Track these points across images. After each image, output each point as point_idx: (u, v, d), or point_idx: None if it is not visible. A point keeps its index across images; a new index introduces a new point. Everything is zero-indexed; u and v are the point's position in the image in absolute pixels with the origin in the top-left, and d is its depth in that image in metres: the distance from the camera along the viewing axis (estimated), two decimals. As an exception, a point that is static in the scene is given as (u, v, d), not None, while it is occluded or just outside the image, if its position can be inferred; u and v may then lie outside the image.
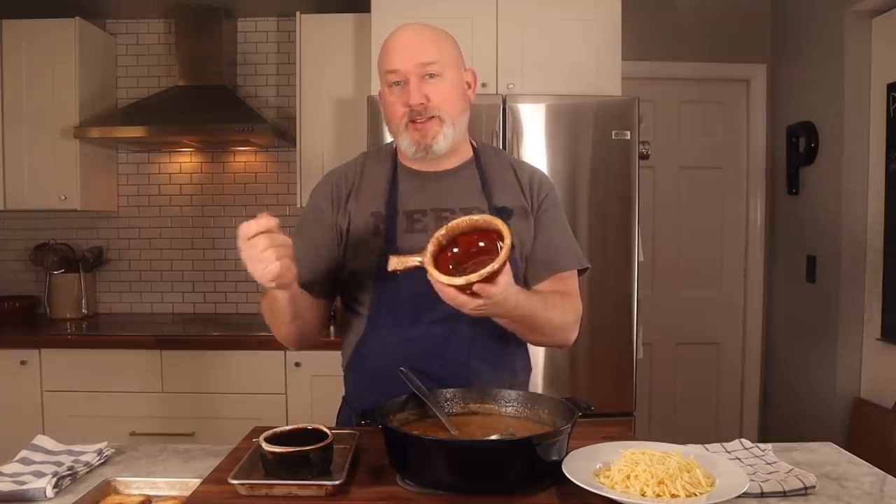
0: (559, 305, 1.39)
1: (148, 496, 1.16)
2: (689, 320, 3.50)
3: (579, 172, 2.49)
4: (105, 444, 1.36)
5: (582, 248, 2.52)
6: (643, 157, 2.53)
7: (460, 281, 1.11)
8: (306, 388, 2.81)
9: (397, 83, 1.36)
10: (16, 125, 3.11)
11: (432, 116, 1.35)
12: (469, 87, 1.44)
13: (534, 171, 1.52)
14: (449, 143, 1.39)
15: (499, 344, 1.41)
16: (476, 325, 1.37)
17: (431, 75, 1.35)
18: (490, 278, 1.11)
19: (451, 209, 1.40)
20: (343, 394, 1.57)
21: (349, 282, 1.44)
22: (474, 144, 1.52)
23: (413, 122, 1.36)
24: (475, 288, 1.11)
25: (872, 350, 2.76)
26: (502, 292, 1.14)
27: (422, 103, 1.34)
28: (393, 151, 1.49)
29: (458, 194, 1.43)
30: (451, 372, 1.36)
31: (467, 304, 1.14)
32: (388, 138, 2.48)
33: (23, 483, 1.16)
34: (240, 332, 3.02)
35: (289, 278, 1.18)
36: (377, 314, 1.40)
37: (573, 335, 1.45)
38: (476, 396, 1.28)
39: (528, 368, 1.54)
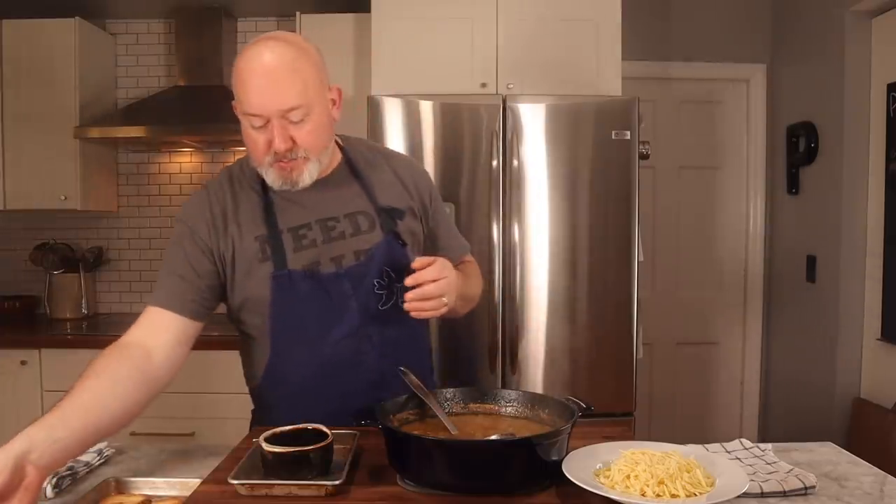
0: (471, 275, 1.53)
1: (148, 496, 1.16)
2: (689, 320, 3.50)
3: (579, 172, 2.49)
4: (105, 444, 1.36)
5: (582, 247, 2.54)
6: (643, 157, 2.52)
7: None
8: (306, 388, 2.81)
9: (259, 126, 1.26)
10: (16, 125, 3.11)
11: (297, 157, 1.28)
12: (334, 103, 1.34)
13: (413, 170, 1.50)
14: (315, 176, 1.32)
15: (404, 341, 1.42)
16: (383, 331, 1.37)
17: (295, 119, 1.25)
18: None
19: (336, 217, 1.37)
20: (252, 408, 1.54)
21: (241, 309, 1.39)
22: (340, 143, 1.45)
23: (278, 161, 1.28)
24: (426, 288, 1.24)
25: (872, 350, 2.76)
26: (443, 269, 1.26)
27: (288, 148, 1.26)
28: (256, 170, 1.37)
29: (339, 201, 1.38)
30: (365, 381, 1.36)
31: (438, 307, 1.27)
32: (389, 139, 2.49)
33: (23, 483, 1.16)
34: (240, 332, 3.01)
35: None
36: (280, 338, 1.36)
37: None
38: (476, 396, 1.28)
39: (429, 351, 1.58)
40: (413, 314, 1.25)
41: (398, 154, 1.56)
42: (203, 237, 1.34)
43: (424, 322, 1.48)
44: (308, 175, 1.31)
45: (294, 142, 1.26)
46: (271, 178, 1.31)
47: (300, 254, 1.33)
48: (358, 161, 1.44)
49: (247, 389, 3.13)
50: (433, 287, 1.23)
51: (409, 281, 1.23)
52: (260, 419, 1.49)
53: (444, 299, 1.25)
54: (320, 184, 1.36)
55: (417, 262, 1.24)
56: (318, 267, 1.33)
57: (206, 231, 1.34)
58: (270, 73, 1.22)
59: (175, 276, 1.33)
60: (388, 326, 1.37)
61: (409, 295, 1.23)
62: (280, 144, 1.25)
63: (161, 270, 1.37)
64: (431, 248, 1.50)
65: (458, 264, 1.52)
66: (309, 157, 1.29)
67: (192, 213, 1.37)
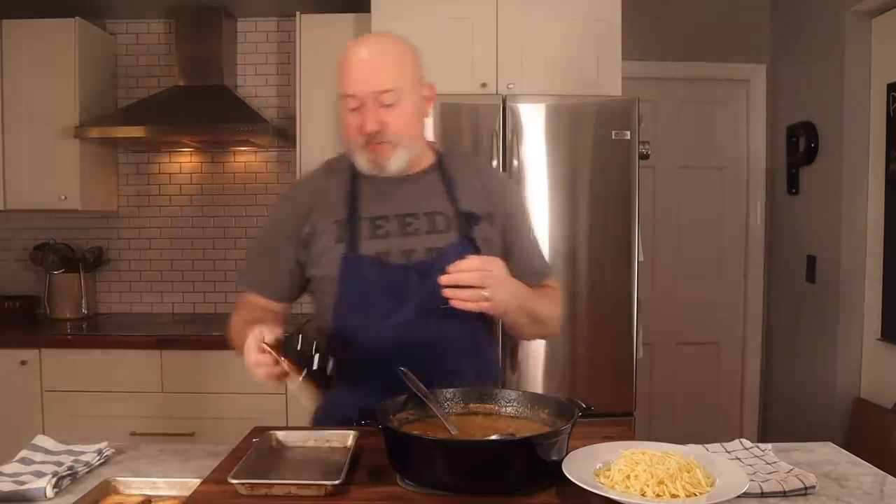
0: (548, 299, 1.49)
1: (148, 496, 1.16)
2: (689, 320, 3.50)
3: (579, 172, 2.49)
4: (105, 444, 1.36)
5: (582, 247, 2.54)
6: (643, 157, 2.53)
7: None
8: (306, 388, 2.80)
9: (354, 107, 1.35)
10: (16, 125, 3.11)
11: (386, 142, 1.35)
12: (426, 100, 1.43)
13: (502, 184, 1.53)
14: (402, 164, 1.39)
15: (462, 343, 1.42)
16: (440, 329, 1.37)
17: (388, 102, 1.33)
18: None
19: (415, 214, 1.42)
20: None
21: (313, 287, 1.47)
22: (440, 150, 1.52)
23: (368, 144, 1.36)
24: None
25: (872, 350, 2.76)
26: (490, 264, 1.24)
27: (378, 130, 1.34)
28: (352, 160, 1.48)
29: (421, 199, 1.44)
30: (415, 372, 1.35)
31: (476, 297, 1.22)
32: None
33: (23, 483, 1.16)
34: (240, 332, 3.01)
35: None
36: (341, 318, 1.41)
37: (559, 326, 1.55)
38: (476, 396, 1.28)
39: (490, 357, 1.54)
40: (452, 303, 1.23)
41: (493, 169, 1.61)
42: (287, 224, 1.45)
43: (485, 325, 1.47)
44: (395, 161, 1.38)
45: (384, 125, 1.33)
46: (361, 161, 1.39)
47: (373, 242, 1.39)
48: (448, 166, 1.49)
49: (246, 390, 3.16)
50: (468, 276, 1.21)
51: (449, 268, 1.22)
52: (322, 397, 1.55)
53: (485, 293, 1.22)
54: (408, 180, 1.43)
55: (467, 258, 1.24)
56: (388, 257, 1.38)
57: (290, 217, 1.46)
58: (369, 56, 1.35)
59: (259, 263, 1.51)
60: (447, 326, 1.37)
61: (443, 279, 1.22)
62: (370, 125, 1.32)
63: (251, 250, 1.60)
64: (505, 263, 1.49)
65: (535, 287, 1.49)
66: (398, 144, 1.36)
67: (281, 203, 1.53)
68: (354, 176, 1.45)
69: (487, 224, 1.45)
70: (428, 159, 1.48)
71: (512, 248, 1.49)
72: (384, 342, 1.37)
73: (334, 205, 1.43)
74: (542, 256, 1.58)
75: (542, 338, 1.55)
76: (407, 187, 1.43)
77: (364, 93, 1.33)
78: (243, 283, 1.52)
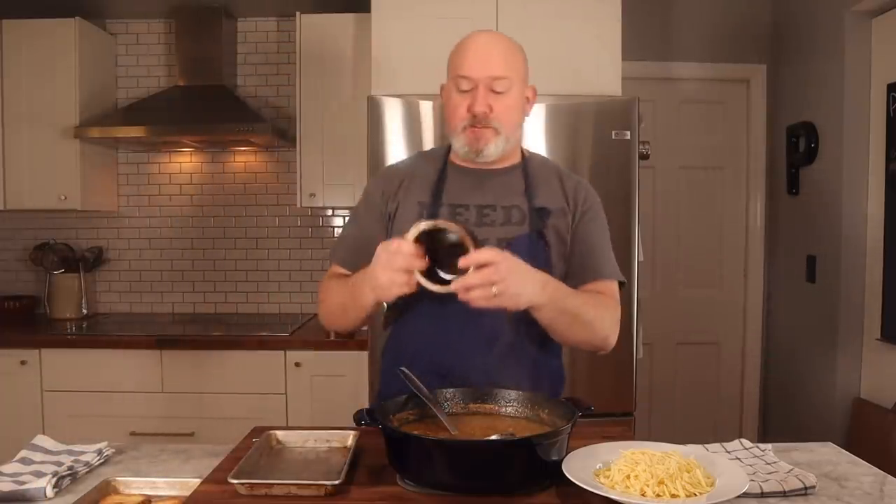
0: (592, 300, 1.42)
1: (148, 496, 1.16)
2: (689, 320, 3.50)
3: (579, 172, 2.46)
4: (105, 444, 1.36)
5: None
6: (643, 157, 2.52)
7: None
8: (306, 388, 2.81)
9: (466, 88, 1.42)
10: (16, 125, 3.11)
11: (490, 126, 1.42)
12: (528, 101, 1.50)
13: (579, 183, 1.57)
14: (499, 152, 1.45)
15: (517, 333, 1.41)
16: (498, 322, 1.38)
17: (499, 89, 1.41)
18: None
19: (493, 206, 1.47)
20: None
21: None
22: (525, 153, 1.58)
23: (472, 126, 1.42)
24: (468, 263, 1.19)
25: (872, 350, 2.76)
26: (501, 256, 1.21)
27: (485, 112, 1.41)
28: (446, 150, 1.57)
29: (501, 193, 1.49)
30: (467, 367, 1.37)
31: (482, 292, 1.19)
32: (389, 139, 2.49)
33: (23, 483, 1.16)
34: (240, 332, 3.02)
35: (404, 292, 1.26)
36: (409, 300, 1.39)
37: (613, 336, 1.45)
38: (476, 396, 1.28)
39: (552, 377, 1.52)
40: (460, 297, 1.20)
41: (573, 175, 1.62)
42: (377, 200, 1.53)
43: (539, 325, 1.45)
44: (492, 148, 1.44)
45: (491, 109, 1.41)
46: (460, 143, 1.46)
47: None
48: (531, 166, 1.56)
49: (246, 390, 3.17)
50: (474, 276, 1.19)
51: (461, 263, 1.20)
52: (383, 362, 1.59)
53: (494, 289, 1.19)
54: (493, 174, 1.50)
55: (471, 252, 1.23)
56: None
57: (380, 194, 1.53)
58: (488, 43, 1.44)
59: (350, 239, 1.56)
60: (505, 314, 1.33)
61: (454, 285, 1.20)
62: (480, 106, 1.40)
63: (346, 226, 1.66)
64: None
65: (582, 287, 1.46)
66: (499, 131, 1.43)
67: (374, 180, 1.60)
68: (445, 165, 1.53)
69: (560, 218, 1.49)
70: (516, 157, 1.55)
71: (570, 242, 1.51)
72: (449, 328, 1.40)
73: (421, 187, 1.50)
74: (603, 260, 1.51)
75: (591, 347, 1.47)
76: (491, 181, 1.50)
77: (479, 76, 1.40)
78: (335, 258, 1.55)
